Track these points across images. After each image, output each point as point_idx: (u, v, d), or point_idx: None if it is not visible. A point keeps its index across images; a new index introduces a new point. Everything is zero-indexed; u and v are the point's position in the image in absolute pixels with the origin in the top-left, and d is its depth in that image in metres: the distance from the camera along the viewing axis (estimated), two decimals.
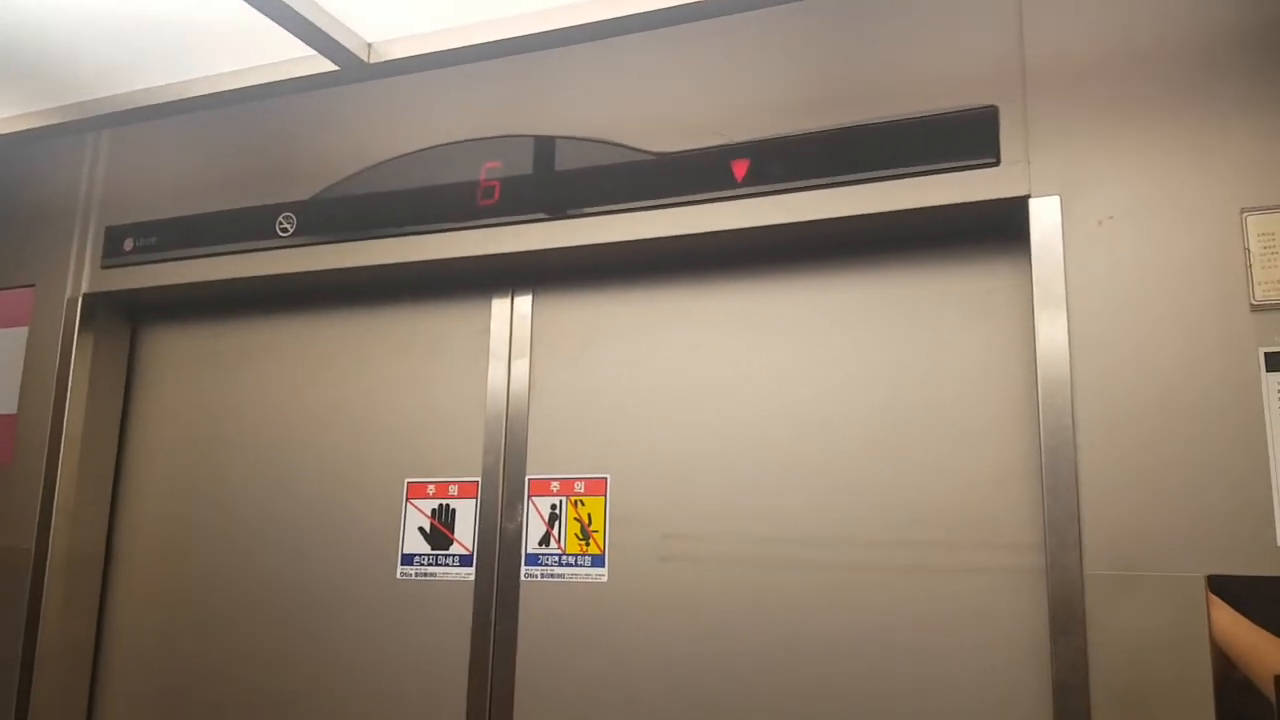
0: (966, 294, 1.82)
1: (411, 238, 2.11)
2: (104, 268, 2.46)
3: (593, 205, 1.97)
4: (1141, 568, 1.52)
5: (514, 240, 2.03)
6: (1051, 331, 1.62)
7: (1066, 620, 1.54)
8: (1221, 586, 1.47)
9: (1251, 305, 1.51)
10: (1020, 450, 1.73)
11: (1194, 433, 1.52)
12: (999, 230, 1.76)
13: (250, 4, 1.73)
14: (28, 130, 2.43)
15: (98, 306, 2.48)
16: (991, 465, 1.75)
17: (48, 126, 2.46)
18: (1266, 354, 1.49)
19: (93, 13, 1.93)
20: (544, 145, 2.04)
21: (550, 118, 2.05)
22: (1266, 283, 1.50)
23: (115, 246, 2.45)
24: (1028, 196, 1.66)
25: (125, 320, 2.57)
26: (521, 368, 2.14)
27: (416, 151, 2.15)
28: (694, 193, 1.89)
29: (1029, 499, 1.71)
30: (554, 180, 2.02)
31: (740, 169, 1.87)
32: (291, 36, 1.88)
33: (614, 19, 1.85)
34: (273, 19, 1.78)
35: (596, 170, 1.98)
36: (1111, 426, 1.57)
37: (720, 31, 1.93)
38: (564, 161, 2.02)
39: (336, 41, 1.87)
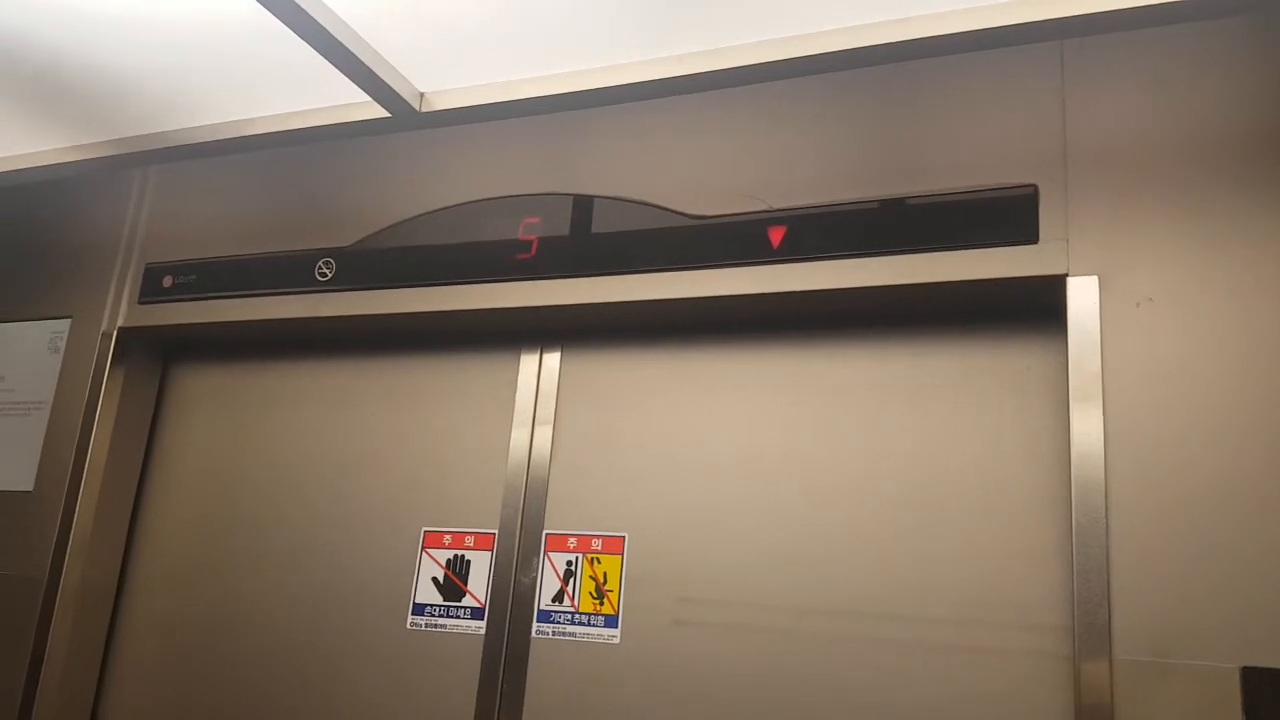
0: (1000, 371, 1.81)
1: (447, 288, 2.13)
2: (141, 303, 2.49)
3: (628, 265, 1.99)
4: (1174, 656, 1.47)
5: (547, 295, 2.04)
6: (1086, 412, 1.60)
7: (1094, 707, 1.49)
8: (1256, 680, 1.42)
9: None
10: (1050, 531, 1.70)
11: (1231, 521, 1.49)
12: (1036, 309, 1.75)
13: (312, 46, 1.78)
14: (76, 162, 2.49)
15: (132, 341, 2.51)
16: (1020, 545, 1.72)
17: (97, 160, 2.51)
18: None
19: (147, 49, 1.99)
20: (583, 204, 2.07)
21: (590, 176, 2.08)
22: None
23: (154, 284, 2.49)
24: (1065, 275, 1.66)
25: (158, 357, 2.59)
26: (546, 422, 2.14)
27: (457, 205, 2.19)
28: (730, 258, 1.91)
29: (1058, 581, 1.67)
30: (591, 238, 2.04)
31: (777, 236, 1.89)
32: (343, 81, 1.93)
33: (659, 80, 1.89)
34: (332, 63, 1.83)
35: (632, 231, 2.00)
36: (1146, 510, 1.54)
37: (763, 97, 1.97)
38: (602, 220, 2.05)
39: (391, 88, 1.92)
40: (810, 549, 1.85)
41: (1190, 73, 1.68)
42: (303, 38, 1.77)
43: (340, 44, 1.77)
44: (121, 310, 2.51)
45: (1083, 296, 1.65)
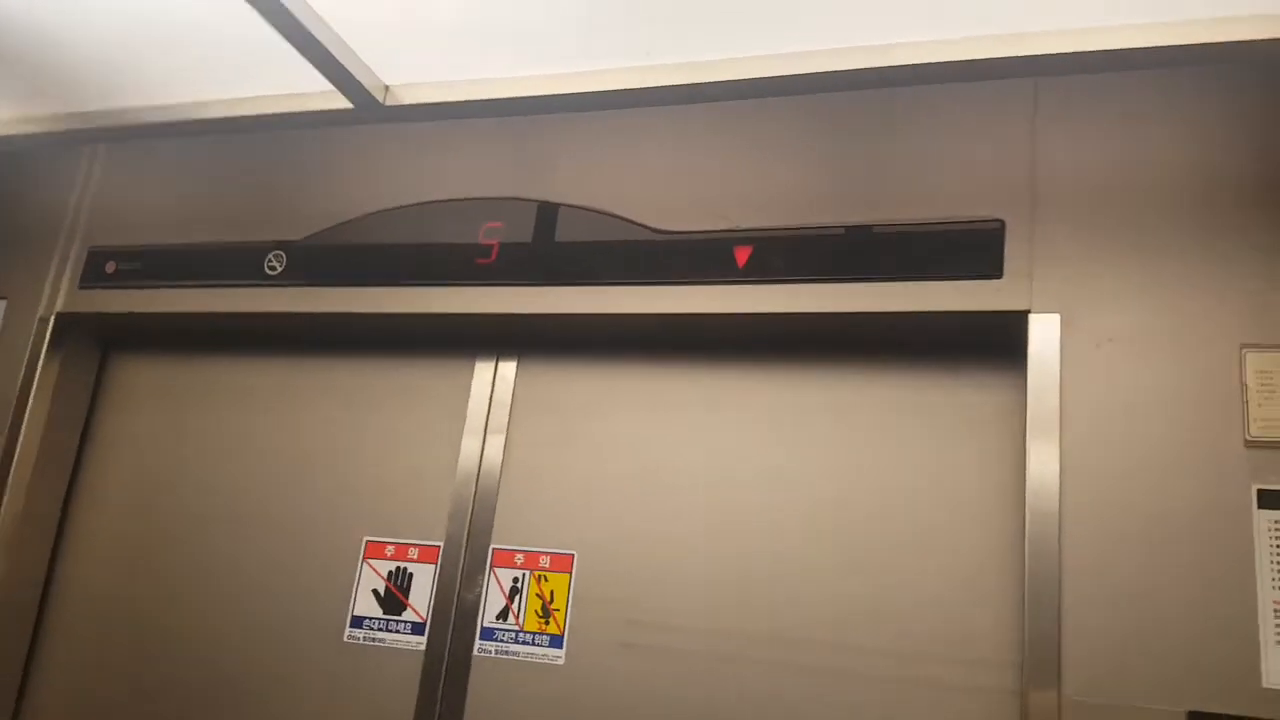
0: (960, 404, 1.80)
1: (403, 289, 2.08)
2: (81, 289, 2.40)
3: (591, 276, 1.95)
4: (1121, 697, 1.47)
5: (506, 302, 2.00)
6: (1042, 450, 1.60)
7: None
8: None
9: (1246, 441, 1.50)
10: (1003, 565, 1.70)
11: (1182, 565, 1.49)
12: (998, 343, 1.75)
13: (275, 28, 1.71)
14: (20, 136, 2.38)
15: (70, 328, 2.41)
16: (972, 578, 1.71)
17: (44, 134, 2.41)
18: (1259, 491, 1.48)
19: (101, 18, 1.90)
20: (547, 211, 2.03)
21: (556, 184, 2.05)
22: (1262, 420, 1.50)
23: (96, 268, 2.39)
24: (1028, 312, 1.66)
25: (96, 345, 2.50)
26: (498, 433, 2.09)
27: (418, 204, 2.14)
28: (694, 275, 1.88)
29: (1009, 617, 1.67)
30: (554, 247, 2.00)
31: (743, 255, 1.86)
32: (305, 68, 1.86)
33: (632, 89, 1.85)
34: (295, 47, 1.77)
35: (597, 242, 1.97)
36: (1098, 549, 1.54)
37: (736, 115, 1.95)
38: (566, 229, 2.01)
39: (355, 78, 1.86)
40: (761, 574, 1.83)
41: (1159, 118, 1.69)
42: (266, 18, 1.71)
43: (304, 28, 1.72)
44: (60, 294, 2.41)
45: (1044, 334, 1.65)
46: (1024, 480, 1.61)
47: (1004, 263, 1.70)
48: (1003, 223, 1.72)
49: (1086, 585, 1.53)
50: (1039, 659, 1.52)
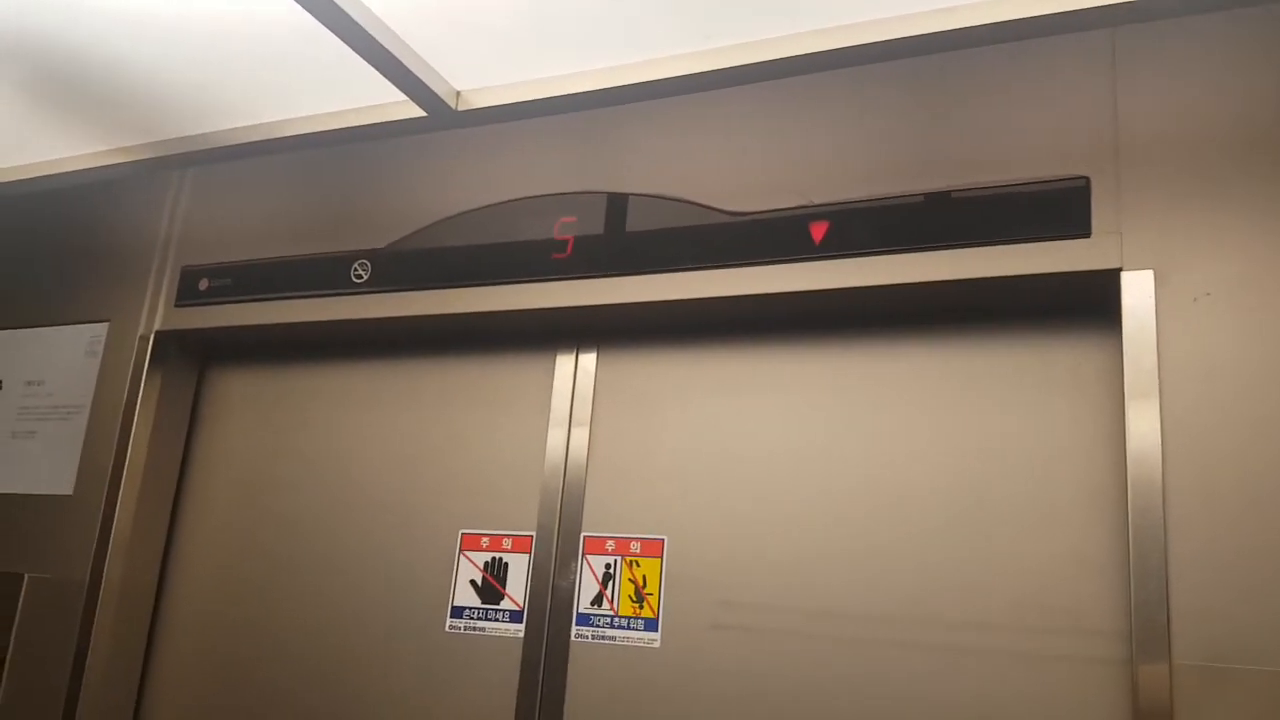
0: (1052, 369, 1.76)
1: (483, 289, 2.11)
2: (178, 306, 2.50)
3: (665, 263, 1.96)
4: (1235, 660, 1.43)
5: (583, 295, 2.02)
6: (1142, 411, 1.55)
7: (1153, 713, 1.44)
8: None
9: None
10: (1106, 533, 1.65)
11: None
12: (1089, 304, 1.71)
13: (348, 45, 1.76)
14: (113, 166, 2.49)
15: (169, 344, 2.51)
16: (1074, 547, 1.67)
17: (133, 163, 2.53)
18: None
19: (183, 50, 1.98)
20: (618, 202, 2.05)
21: (625, 174, 2.06)
22: None
23: (190, 286, 2.49)
24: (1119, 270, 1.62)
25: (195, 359, 2.60)
26: (582, 424, 2.11)
27: (492, 205, 2.17)
28: (770, 254, 1.87)
29: (1114, 585, 1.63)
30: (627, 237, 2.01)
31: (819, 231, 1.85)
32: (378, 80, 1.91)
33: (696, 74, 1.85)
34: (369, 61, 1.82)
35: (669, 229, 1.97)
36: (1204, 512, 1.49)
37: (803, 90, 1.93)
38: (637, 218, 2.02)
39: (427, 86, 1.90)
40: (854, 552, 1.82)
41: (1245, 60, 1.63)
42: (339, 35, 1.76)
43: (376, 42, 1.76)
44: (158, 313, 2.51)
45: (1138, 292, 1.60)
46: (1124, 443, 1.57)
47: (1091, 220, 1.65)
48: (1087, 179, 1.68)
49: (1192, 548, 1.48)
50: (1147, 627, 1.48)
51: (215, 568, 2.42)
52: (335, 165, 2.40)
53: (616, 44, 1.86)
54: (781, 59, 1.79)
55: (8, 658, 2.36)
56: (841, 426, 1.89)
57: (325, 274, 2.31)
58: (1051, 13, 1.61)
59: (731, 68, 1.84)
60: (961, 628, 1.71)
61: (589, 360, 2.16)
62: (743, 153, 1.96)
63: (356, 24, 1.71)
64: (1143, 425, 1.55)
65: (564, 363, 2.18)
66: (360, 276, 2.27)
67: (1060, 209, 1.68)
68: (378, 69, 1.85)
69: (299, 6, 1.67)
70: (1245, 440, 1.49)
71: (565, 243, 2.07)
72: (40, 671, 2.33)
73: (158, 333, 2.49)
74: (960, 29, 1.67)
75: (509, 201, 2.16)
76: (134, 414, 2.44)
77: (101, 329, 2.57)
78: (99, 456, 2.44)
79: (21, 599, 2.40)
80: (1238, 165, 1.59)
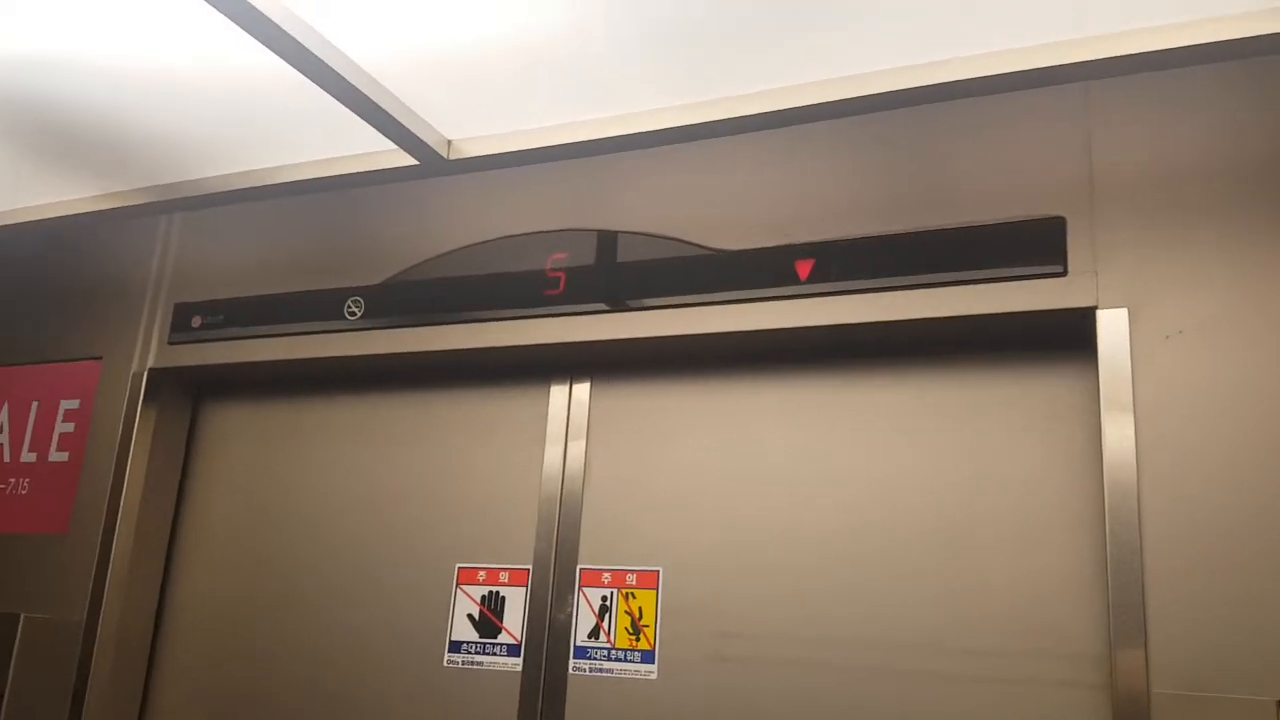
0: (1031, 401, 1.82)
1: (477, 325, 2.15)
2: (170, 344, 2.52)
3: (655, 297, 2.00)
4: (1211, 689, 1.48)
5: (576, 330, 2.06)
6: (1119, 444, 1.61)
7: None
8: None
9: None
10: (1084, 562, 1.71)
11: (1266, 553, 1.50)
12: (1066, 340, 1.76)
13: (338, 100, 1.80)
14: (105, 210, 2.52)
15: (162, 381, 2.53)
16: (1054, 576, 1.73)
17: (126, 208, 2.54)
18: None
19: (177, 102, 2.01)
20: (608, 239, 2.09)
21: (616, 213, 2.10)
22: None
23: (183, 323, 2.51)
24: (1095, 308, 1.68)
25: (188, 396, 2.62)
26: (577, 456, 2.15)
27: (485, 241, 2.21)
28: (757, 290, 1.92)
29: (1093, 612, 1.68)
30: (618, 273, 2.06)
31: (804, 268, 1.90)
32: (370, 132, 1.95)
33: (683, 126, 1.90)
34: (360, 115, 1.86)
35: (660, 262, 2.02)
36: (1180, 542, 1.55)
37: (788, 135, 1.98)
38: (628, 255, 2.06)
39: (419, 138, 1.94)
40: (846, 581, 1.86)
41: (1215, 104, 1.69)
42: (330, 93, 1.79)
43: (367, 97, 1.80)
44: (151, 350, 2.53)
45: (1112, 328, 1.66)
46: (1101, 474, 1.63)
47: (1068, 259, 1.71)
48: (1063, 219, 1.74)
49: (1170, 579, 1.54)
50: (1126, 654, 1.53)
51: (212, 605, 2.44)
52: (330, 206, 2.43)
53: (606, 96, 1.91)
54: (766, 112, 1.84)
55: (4, 699, 2.36)
56: (830, 457, 1.94)
57: (318, 311, 2.34)
58: (1029, 68, 1.67)
59: (720, 120, 1.89)
60: (952, 653, 1.76)
61: (582, 391, 2.20)
62: (730, 193, 2.01)
63: (344, 80, 1.74)
64: (1118, 457, 1.61)
65: (558, 394, 2.22)
66: (354, 313, 2.30)
67: (1038, 246, 1.74)
68: (370, 123, 1.89)
69: (294, 69, 1.71)
70: (1219, 472, 1.55)
71: (558, 279, 2.11)
72: (37, 713, 2.34)
73: (151, 369, 2.51)
74: (941, 83, 1.72)
75: (502, 238, 2.20)
76: (129, 451, 2.45)
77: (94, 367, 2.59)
78: (94, 494, 2.45)
79: (18, 639, 2.40)
80: (1208, 208, 1.66)
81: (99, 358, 2.60)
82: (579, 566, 2.08)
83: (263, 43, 1.66)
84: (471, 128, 2.04)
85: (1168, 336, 1.63)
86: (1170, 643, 1.51)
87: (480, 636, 2.12)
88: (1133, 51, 1.60)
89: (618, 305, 2.04)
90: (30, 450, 2.62)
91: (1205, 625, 1.50)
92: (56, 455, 2.57)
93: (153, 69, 1.89)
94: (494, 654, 2.10)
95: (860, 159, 1.92)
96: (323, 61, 1.70)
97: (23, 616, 2.42)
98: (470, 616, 2.15)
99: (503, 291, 2.15)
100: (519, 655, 2.08)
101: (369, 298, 2.29)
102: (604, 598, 2.04)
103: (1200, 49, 1.60)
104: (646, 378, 2.15)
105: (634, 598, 2.02)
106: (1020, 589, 1.74)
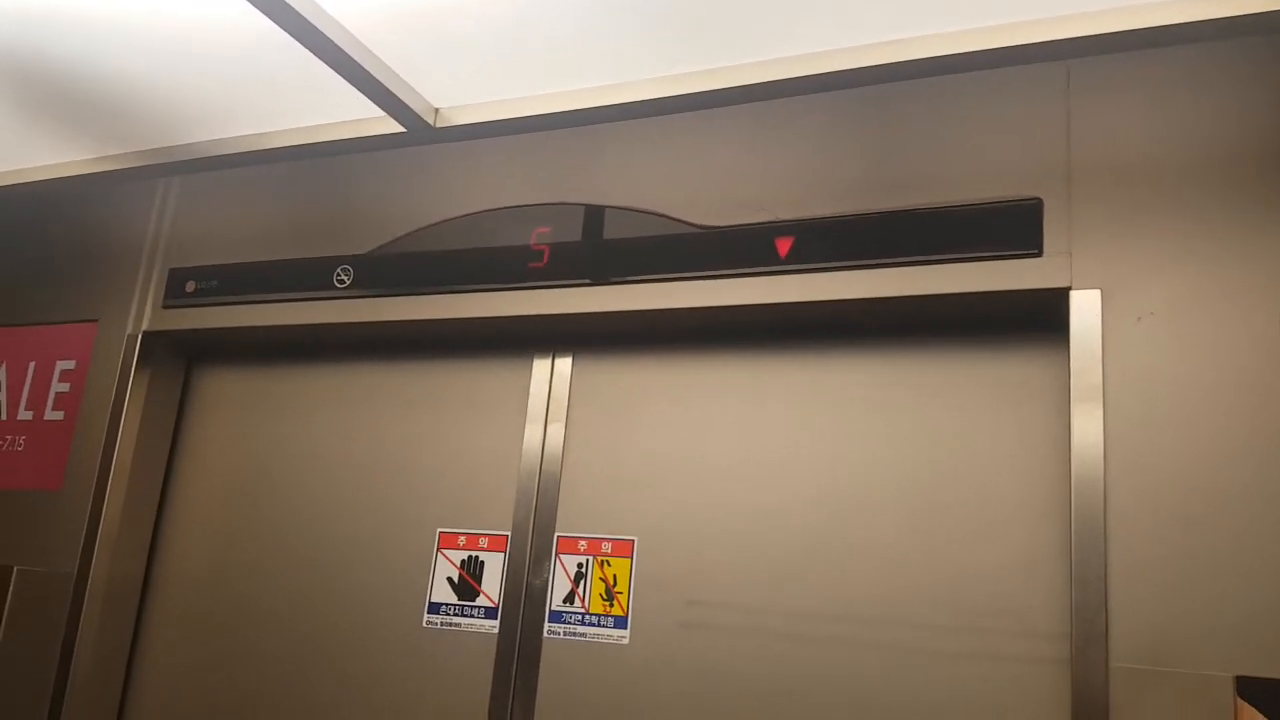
0: (1002, 381, 1.84)
1: (463, 295, 2.18)
2: (165, 308, 2.55)
3: (638, 273, 2.02)
4: (1169, 664, 1.50)
5: (559, 303, 2.09)
6: (1087, 423, 1.63)
7: (1090, 713, 1.52)
8: (1251, 689, 1.45)
9: None
10: (1050, 538, 1.73)
11: (1228, 531, 1.52)
12: (1038, 320, 1.78)
13: (328, 64, 1.82)
14: (102, 173, 2.55)
15: (156, 344, 2.57)
16: (1020, 552, 1.75)
17: (121, 170, 2.58)
18: None
19: (171, 64, 2.04)
20: (594, 213, 2.11)
21: (601, 188, 2.12)
22: None
23: (177, 288, 2.55)
24: (1069, 289, 1.69)
25: (181, 359, 2.66)
26: (557, 427, 2.18)
27: (472, 214, 2.23)
28: (737, 267, 1.94)
29: (1056, 588, 1.71)
30: (602, 247, 2.08)
31: (784, 246, 1.92)
32: (361, 97, 1.97)
33: (668, 97, 1.92)
34: (348, 80, 1.88)
35: (643, 239, 2.04)
36: (1144, 519, 1.57)
37: (770, 112, 2.00)
38: (612, 230, 2.09)
39: (406, 105, 1.96)
40: (815, 554, 1.89)
41: (1193, 90, 1.70)
42: (318, 56, 1.81)
43: (357, 63, 1.82)
44: (146, 314, 2.57)
45: (1085, 310, 1.68)
46: (1069, 452, 1.65)
47: (1043, 240, 1.73)
48: (1040, 200, 1.75)
49: (1132, 555, 1.56)
50: (1087, 629, 1.56)
51: (200, 562, 2.49)
52: (320, 174, 2.46)
53: (592, 66, 1.93)
54: (752, 84, 1.86)
55: None
56: (804, 433, 1.96)
57: (309, 278, 2.37)
58: (1009, 45, 1.68)
59: (703, 92, 1.90)
60: (915, 627, 1.79)
61: (565, 364, 2.23)
62: (713, 169, 2.02)
63: (334, 44, 1.77)
64: (1087, 435, 1.63)
65: (540, 367, 2.25)
66: (343, 281, 2.33)
67: (1014, 227, 1.75)
68: (358, 89, 1.91)
69: (284, 31, 1.73)
70: (1185, 452, 1.57)
71: (542, 252, 2.13)
72: (28, 661, 2.40)
73: (145, 333, 2.55)
74: (921, 59, 1.74)
75: (488, 211, 2.22)
76: (122, 411, 2.50)
77: (90, 329, 2.63)
78: (87, 453, 2.50)
79: (11, 590, 2.46)
80: (1183, 193, 1.67)
81: (95, 320, 2.64)
82: (556, 534, 2.12)
83: (261, 10, 1.68)
84: (458, 96, 2.06)
85: (1139, 319, 1.64)
86: (1131, 619, 1.54)
87: (459, 599, 2.16)
88: (1115, 30, 1.61)
89: (600, 279, 2.06)
90: (27, 409, 2.67)
91: (1166, 603, 1.53)
92: (52, 414, 2.61)
93: (149, 30, 1.91)
94: (472, 616, 2.14)
95: (842, 137, 1.93)
96: (313, 25, 1.72)
97: (15, 569, 2.48)
98: (450, 579, 2.18)
99: (488, 264, 2.17)
100: (496, 618, 2.12)
101: (358, 266, 2.32)
102: (580, 564, 2.08)
103: (1182, 28, 1.61)
104: (627, 352, 2.17)
105: (609, 565, 2.05)
106: (986, 565, 1.77)
